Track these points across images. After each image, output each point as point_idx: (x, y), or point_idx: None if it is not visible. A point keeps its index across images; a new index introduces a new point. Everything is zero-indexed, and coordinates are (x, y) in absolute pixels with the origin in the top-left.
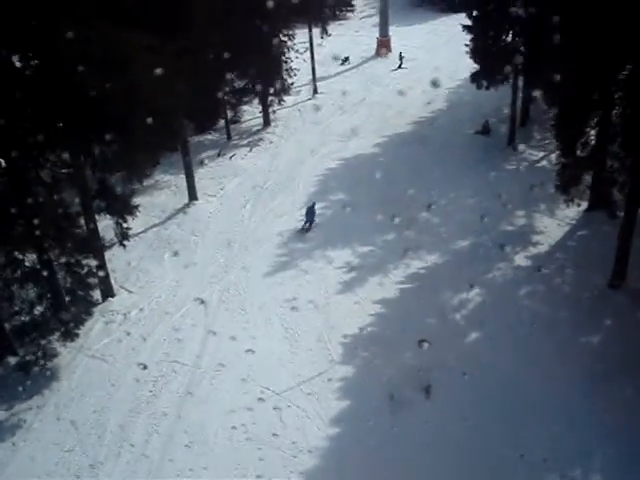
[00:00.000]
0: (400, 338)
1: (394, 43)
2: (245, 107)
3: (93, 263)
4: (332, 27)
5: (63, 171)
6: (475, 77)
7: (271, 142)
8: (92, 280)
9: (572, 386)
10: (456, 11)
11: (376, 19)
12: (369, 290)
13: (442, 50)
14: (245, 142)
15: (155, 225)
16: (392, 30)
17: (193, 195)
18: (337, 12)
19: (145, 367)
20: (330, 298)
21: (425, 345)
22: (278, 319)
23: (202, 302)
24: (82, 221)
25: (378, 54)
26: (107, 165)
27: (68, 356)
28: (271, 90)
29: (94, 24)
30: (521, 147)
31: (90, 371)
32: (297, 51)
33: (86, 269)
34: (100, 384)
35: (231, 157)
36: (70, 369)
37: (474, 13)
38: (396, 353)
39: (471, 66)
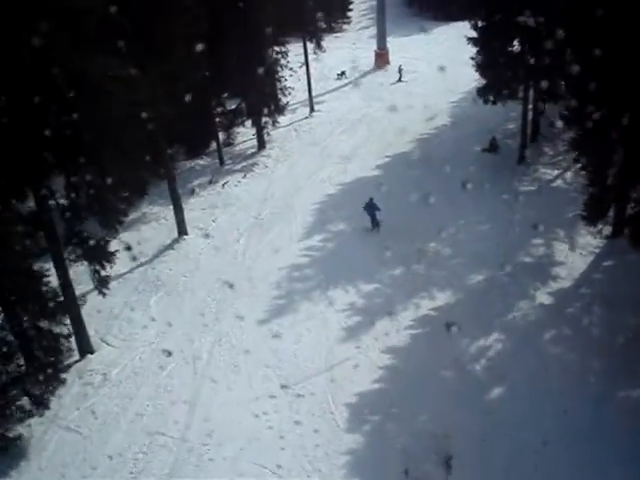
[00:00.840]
0: (413, 397)
1: (392, 55)
2: (239, 128)
3: (67, 321)
4: (328, 40)
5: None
6: (482, 92)
7: (266, 166)
8: (64, 342)
9: (611, 454)
10: (454, 20)
11: (373, 30)
12: (376, 337)
13: (442, 61)
14: (239, 167)
15: (142, 264)
16: (389, 41)
17: (183, 229)
18: (333, 24)
19: (124, 442)
20: (333, 349)
21: None
22: (276, 378)
23: (190, 358)
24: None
25: (376, 67)
26: (76, 208)
27: (39, 428)
28: (265, 111)
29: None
30: (533, 166)
31: (64, 446)
32: (291, 69)
33: (57, 330)
34: (74, 463)
35: (224, 184)
36: (41, 445)
37: (479, 24)
38: (410, 416)
39: (473, 77)
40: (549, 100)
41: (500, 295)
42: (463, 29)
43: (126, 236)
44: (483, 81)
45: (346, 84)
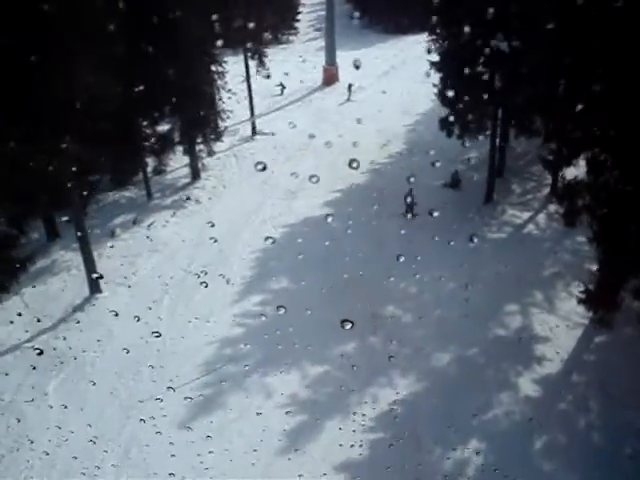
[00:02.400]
0: None
1: (342, 71)
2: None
3: None
4: (274, 52)
5: None
6: (445, 124)
7: (199, 202)
8: None
9: None
10: (406, 33)
11: (321, 42)
12: (325, 447)
13: (394, 79)
14: (169, 201)
15: (43, 331)
16: (338, 55)
17: (95, 286)
18: (279, 35)
19: None
20: (272, 466)
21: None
22: None
23: None
24: None
25: (325, 84)
26: None
27: None
28: (199, 138)
29: None
30: (500, 206)
31: None
32: (229, 90)
33: None
34: None
35: (149, 225)
36: None
37: (441, 45)
38: None
39: (429, 97)
40: (523, 135)
41: (476, 383)
42: (415, 43)
43: (30, 291)
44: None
45: (293, 102)
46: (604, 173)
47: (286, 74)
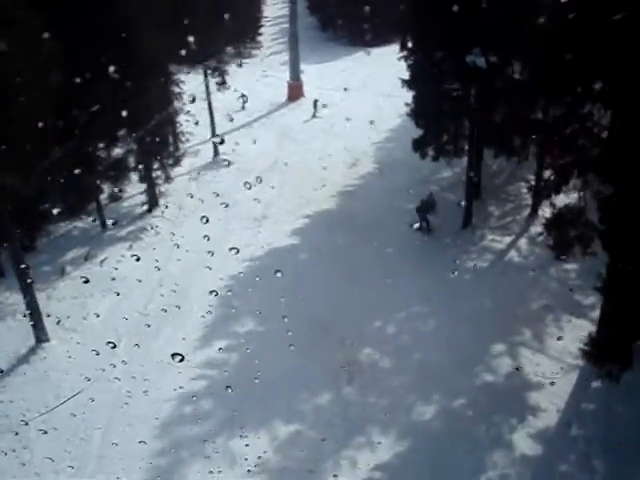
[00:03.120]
0: None
1: (306, 85)
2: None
3: None
4: (236, 65)
5: None
6: (419, 145)
7: (158, 233)
8: None
9: None
10: (371, 45)
11: (285, 56)
12: None
13: (361, 93)
14: (124, 232)
15: None
16: (303, 69)
17: (41, 333)
18: (241, 49)
19: None
20: None
21: None
22: None
23: None
24: None
25: (290, 100)
26: None
27: None
28: (156, 163)
29: None
30: (479, 231)
31: None
32: (188, 112)
33: None
34: None
35: (102, 261)
36: None
37: (411, 59)
38: None
39: (398, 112)
40: (502, 156)
41: (465, 441)
42: (381, 55)
43: None
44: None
45: (257, 119)
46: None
47: (243, 96)
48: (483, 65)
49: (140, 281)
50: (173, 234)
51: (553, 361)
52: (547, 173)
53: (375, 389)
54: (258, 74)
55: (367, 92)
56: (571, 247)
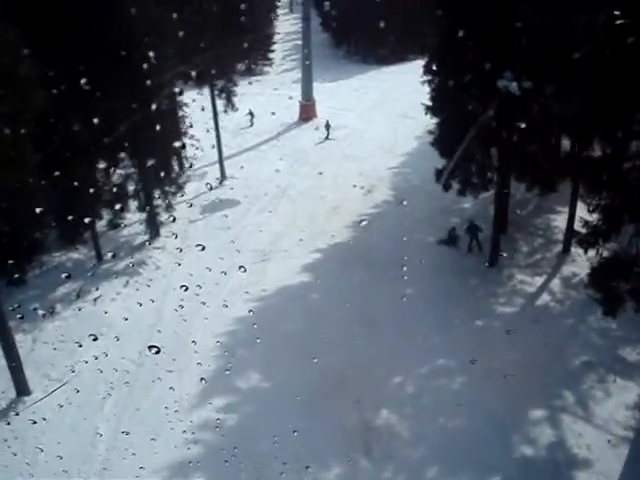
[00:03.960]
0: None
1: (319, 104)
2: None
3: None
4: (247, 84)
5: None
6: (442, 176)
7: (158, 267)
8: None
9: None
10: (385, 63)
11: (297, 74)
12: None
13: (376, 113)
14: (122, 266)
15: None
16: (315, 87)
17: (22, 386)
18: (253, 66)
19: None
20: None
21: None
22: None
23: None
24: None
25: (301, 120)
26: None
27: None
28: (157, 191)
29: None
30: (507, 270)
31: None
32: (192, 137)
33: None
34: None
35: (96, 299)
36: None
37: (434, 81)
38: None
39: (414, 133)
40: (535, 189)
41: None
42: (395, 74)
43: None
44: (427, 138)
45: (267, 140)
46: None
47: (251, 113)
48: (516, 92)
49: (135, 322)
50: (174, 268)
51: (599, 431)
52: (594, 216)
53: (393, 461)
54: (269, 92)
55: (382, 112)
56: (622, 303)
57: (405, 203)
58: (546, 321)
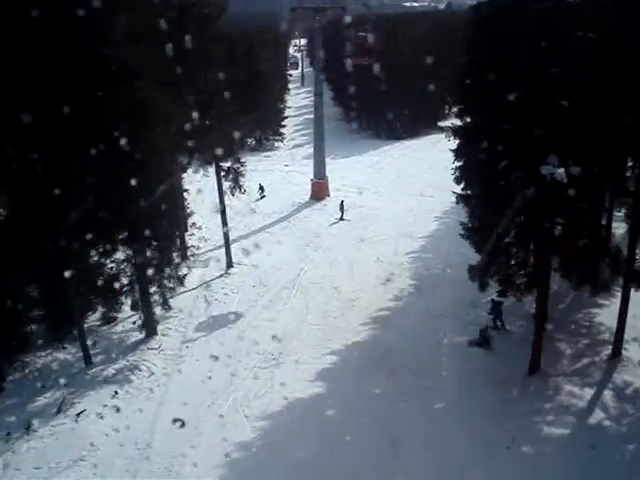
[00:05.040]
0: None
1: (331, 182)
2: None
3: None
4: (256, 159)
5: None
6: (477, 274)
7: (152, 373)
8: None
9: None
10: (399, 138)
11: (308, 149)
12: None
13: (392, 191)
14: (112, 371)
15: None
16: (327, 162)
17: None
18: (264, 141)
19: None
20: None
21: None
22: None
23: None
24: None
25: (313, 199)
26: None
27: None
28: (154, 285)
29: None
30: (551, 379)
31: None
32: (193, 224)
33: None
34: None
35: (79, 414)
36: None
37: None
38: None
39: (432, 215)
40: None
41: None
42: (410, 150)
43: None
44: (447, 219)
45: (277, 221)
46: None
47: (261, 188)
48: (563, 179)
49: (122, 445)
50: (169, 376)
51: None
52: None
53: None
54: (279, 168)
55: (398, 190)
56: None
57: (426, 294)
58: (604, 446)
